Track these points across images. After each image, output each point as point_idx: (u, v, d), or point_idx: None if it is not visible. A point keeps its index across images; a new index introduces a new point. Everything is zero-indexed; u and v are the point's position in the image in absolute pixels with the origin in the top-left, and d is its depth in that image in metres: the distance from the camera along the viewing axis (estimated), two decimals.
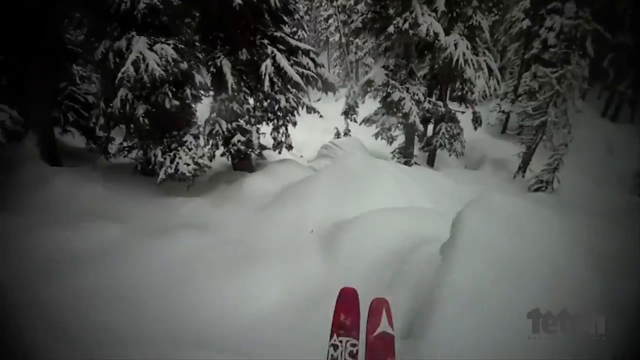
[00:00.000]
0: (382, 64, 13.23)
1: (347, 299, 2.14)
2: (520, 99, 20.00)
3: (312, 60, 9.91)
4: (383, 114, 13.21)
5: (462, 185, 9.55)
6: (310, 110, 9.92)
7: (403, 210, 5.70)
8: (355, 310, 2.13)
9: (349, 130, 20.02)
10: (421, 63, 14.74)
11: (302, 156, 15.02)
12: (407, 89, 12.71)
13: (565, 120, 13.82)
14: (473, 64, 13.31)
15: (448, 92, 15.24)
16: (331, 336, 2.07)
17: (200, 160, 7.70)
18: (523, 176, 15.40)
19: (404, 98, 12.38)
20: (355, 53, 34.59)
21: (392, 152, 14.97)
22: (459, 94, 14.99)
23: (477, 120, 16.46)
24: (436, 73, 14.73)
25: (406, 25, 11.41)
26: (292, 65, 8.74)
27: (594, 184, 15.03)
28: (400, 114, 12.66)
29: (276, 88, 8.69)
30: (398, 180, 6.89)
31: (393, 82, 12.58)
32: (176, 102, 7.20)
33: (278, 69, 8.32)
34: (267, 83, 7.97)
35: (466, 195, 5.31)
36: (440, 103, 13.56)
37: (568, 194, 13.10)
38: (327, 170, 7.05)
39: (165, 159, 7.48)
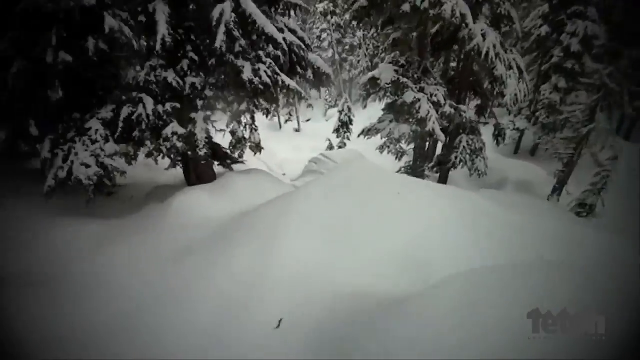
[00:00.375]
0: (390, 60, 10.31)
1: None
2: (538, 114, 17.63)
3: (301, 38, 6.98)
4: (391, 121, 10.18)
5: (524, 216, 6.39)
6: (295, 94, 6.77)
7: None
8: None
9: (345, 144, 16.83)
10: (436, 60, 11.86)
11: (284, 174, 11.96)
12: (423, 89, 9.80)
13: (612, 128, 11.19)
14: (504, 60, 10.55)
15: (468, 97, 12.40)
16: None
17: (108, 162, 4.58)
18: (558, 199, 12.53)
19: (419, 100, 9.44)
20: (349, 71, 32.24)
21: (397, 172, 11.88)
22: (481, 101, 12.19)
23: (500, 134, 13.64)
24: (454, 73, 11.95)
25: (425, 4, 8.57)
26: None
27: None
28: (414, 120, 9.67)
29: (238, 48, 5.50)
30: (442, 203, 3.77)
31: (405, 79, 9.65)
32: (68, 58, 4.18)
33: (242, 18, 5.24)
34: (220, 37, 4.87)
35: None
36: (464, 108, 10.60)
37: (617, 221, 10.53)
38: (317, 185, 3.95)
39: (56, 154, 4.41)
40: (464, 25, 9.18)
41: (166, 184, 7.27)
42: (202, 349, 2.53)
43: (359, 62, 31.31)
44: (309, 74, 7.93)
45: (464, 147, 11.41)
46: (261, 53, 5.87)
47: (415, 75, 10.02)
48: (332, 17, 30.28)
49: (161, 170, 7.82)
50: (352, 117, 19.74)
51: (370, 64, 32.38)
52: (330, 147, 14.56)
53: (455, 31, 10.11)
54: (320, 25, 32.34)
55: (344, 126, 19.86)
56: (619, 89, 10.77)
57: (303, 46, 6.90)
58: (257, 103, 6.78)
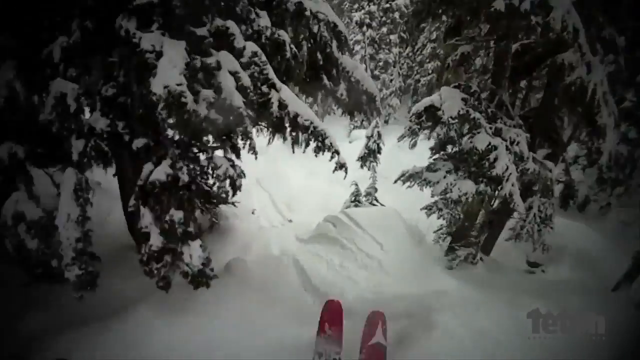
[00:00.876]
0: (456, 84, 7.34)
1: (332, 311, 2.32)
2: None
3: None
4: (449, 172, 7.14)
5: None
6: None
7: None
8: (339, 321, 2.34)
9: (375, 191, 12.94)
10: (514, 91, 8.80)
11: (290, 221, 9.05)
12: (499, 131, 6.80)
13: None
14: (610, 105, 7.54)
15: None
16: (316, 344, 2.28)
17: None
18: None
19: (495, 148, 6.44)
20: (381, 90, 29.40)
21: (435, 232, 8.69)
22: (551, 150, 9.07)
23: (572, 195, 10.52)
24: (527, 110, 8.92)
25: (527, 4, 5.64)
26: None
27: None
28: (483, 177, 6.69)
29: None
30: None
31: (476, 114, 6.67)
32: None
33: None
34: None
35: None
36: (551, 164, 7.53)
37: None
38: None
39: None
40: (575, 45, 6.20)
41: None
42: None
43: (391, 81, 28.44)
44: (341, 89, 5.11)
45: (534, 214, 8.29)
46: None
47: (489, 110, 7.04)
48: (367, 29, 27.68)
49: None
50: (381, 145, 16.71)
51: (403, 84, 29.56)
52: (356, 196, 10.98)
53: (552, 52, 7.11)
54: (354, 36, 29.65)
55: (371, 154, 16.79)
56: None
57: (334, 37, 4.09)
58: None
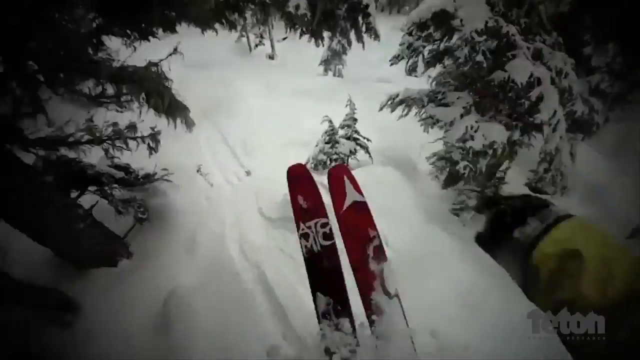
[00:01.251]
0: None
1: (297, 179, 1.81)
2: None
3: None
4: (466, 110, 5.14)
5: None
6: None
7: None
8: (312, 187, 1.81)
9: (354, 122, 9.45)
10: None
11: (249, 173, 7.02)
12: (540, 53, 4.79)
13: None
14: None
15: None
16: (298, 227, 1.75)
17: None
18: None
19: (539, 81, 4.49)
20: None
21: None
22: None
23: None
24: None
25: None
26: None
27: None
28: (519, 120, 4.85)
29: None
30: None
31: (510, 28, 4.55)
32: None
33: None
34: None
35: None
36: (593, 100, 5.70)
37: None
38: None
39: None
40: None
41: None
42: None
43: None
44: None
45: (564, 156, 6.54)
46: None
47: (522, 20, 4.88)
48: None
49: None
50: (346, 46, 14.05)
51: None
52: (331, 136, 7.75)
53: None
54: None
55: (335, 56, 14.24)
56: None
57: None
58: None
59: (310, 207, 1.80)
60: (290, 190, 1.83)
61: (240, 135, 8.62)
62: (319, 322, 1.65)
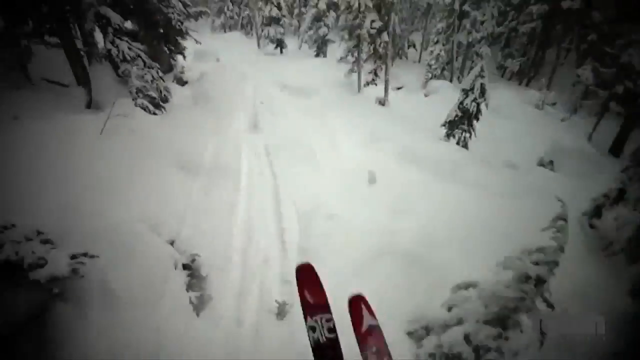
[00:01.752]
0: None
1: (305, 276, 2.06)
2: None
3: None
4: None
5: None
6: None
7: None
8: (317, 284, 2.07)
9: None
10: None
11: None
12: None
13: None
14: None
15: None
16: (305, 319, 1.97)
17: None
18: None
19: None
20: (469, 32, 22.47)
21: None
22: None
23: None
24: None
25: None
26: None
27: None
28: None
29: None
30: None
31: None
32: None
33: None
34: None
35: None
36: None
37: None
38: None
39: None
40: None
41: None
42: None
43: (482, 23, 21.41)
44: None
45: None
46: None
47: None
48: None
49: None
50: (482, 107, 10.89)
51: (494, 29, 22.62)
52: None
53: None
54: None
55: (465, 119, 11.01)
56: None
57: None
58: None
59: (316, 302, 2.00)
60: (298, 286, 2.01)
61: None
62: None
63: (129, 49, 9.03)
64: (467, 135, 11.03)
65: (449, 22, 21.20)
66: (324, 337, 1.93)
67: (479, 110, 10.80)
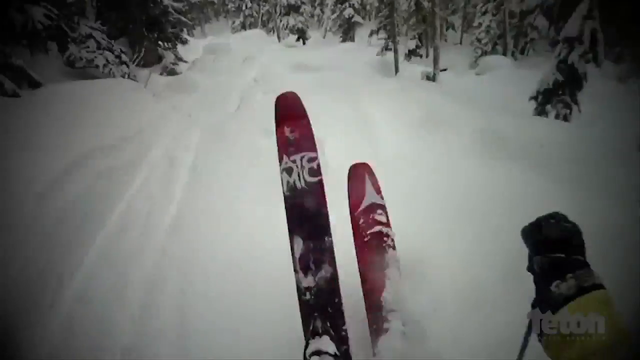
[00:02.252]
0: None
1: (288, 108, 1.72)
2: None
3: None
4: None
5: None
6: None
7: None
8: (302, 118, 1.71)
9: None
10: None
11: None
12: None
13: None
14: None
15: None
16: (280, 160, 1.66)
17: None
18: None
19: None
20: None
21: None
22: None
23: None
24: None
25: None
26: None
27: None
28: None
29: None
30: None
31: None
32: None
33: None
34: None
35: None
36: None
37: None
38: None
39: None
40: None
41: None
42: None
43: None
44: None
45: None
46: None
47: None
48: None
49: None
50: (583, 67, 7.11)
51: None
52: None
53: None
54: None
55: (566, 85, 7.32)
56: None
57: None
58: None
59: (298, 138, 1.65)
60: (276, 120, 1.70)
61: None
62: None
63: (48, 17, 6.08)
64: (567, 110, 7.34)
65: None
66: (302, 182, 1.57)
67: (580, 74, 7.11)
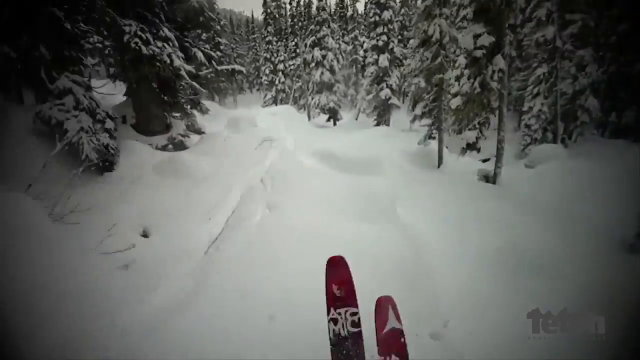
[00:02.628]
0: None
1: (336, 269, 2.12)
2: None
3: None
4: None
5: None
6: None
7: None
8: (347, 278, 2.12)
9: None
10: None
11: None
12: None
13: None
14: None
15: None
16: (328, 311, 2.06)
17: None
18: None
19: None
20: None
21: None
22: None
23: None
24: None
25: None
26: None
27: None
28: None
29: None
30: None
31: None
32: None
33: None
34: None
35: None
36: None
37: None
38: None
39: None
40: None
41: None
42: None
43: None
44: None
45: None
46: None
47: None
48: None
49: None
50: None
51: None
52: None
53: None
54: None
55: None
56: None
57: None
58: None
59: (344, 295, 2.06)
60: (327, 278, 2.11)
61: None
62: None
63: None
64: None
65: (551, 66, 15.41)
66: (345, 331, 1.97)
67: None
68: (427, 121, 12.82)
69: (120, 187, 5.77)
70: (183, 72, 8.75)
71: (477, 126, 9.86)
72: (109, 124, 6.72)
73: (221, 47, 30.80)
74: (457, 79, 11.36)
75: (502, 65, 7.51)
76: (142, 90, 9.14)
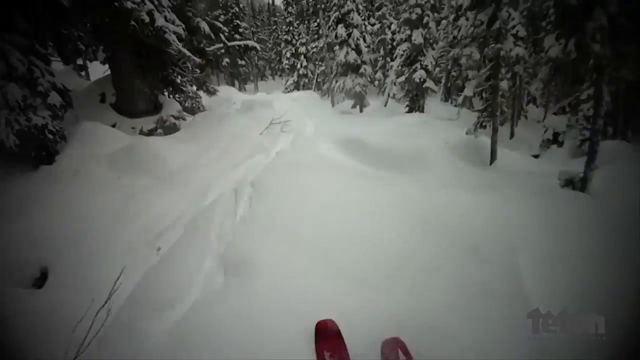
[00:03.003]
0: None
1: (326, 334, 1.92)
2: None
3: None
4: None
5: None
6: None
7: None
8: (340, 344, 1.92)
9: None
10: None
11: None
12: None
13: None
14: None
15: None
16: None
17: None
18: None
19: None
20: None
21: None
22: None
23: None
24: None
25: None
26: None
27: None
28: None
29: None
30: None
31: None
32: None
33: None
34: None
35: None
36: None
37: None
38: None
39: None
40: None
41: None
42: None
43: None
44: None
45: None
46: None
47: None
48: None
49: None
50: None
51: None
52: None
53: None
54: None
55: None
56: None
57: None
58: None
59: None
60: (316, 344, 1.87)
61: None
62: None
63: None
64: None
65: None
66: None
67: None
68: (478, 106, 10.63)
69: (53, 187, 3.98)
70: (171, 37, 6.82)
71: (568, 109, 7.62)
72: (54, 98, 4.89)
73: (240, 30, 29.07)
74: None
75: (604, 20, 5.29)
76: (122, 61, 7.30)
